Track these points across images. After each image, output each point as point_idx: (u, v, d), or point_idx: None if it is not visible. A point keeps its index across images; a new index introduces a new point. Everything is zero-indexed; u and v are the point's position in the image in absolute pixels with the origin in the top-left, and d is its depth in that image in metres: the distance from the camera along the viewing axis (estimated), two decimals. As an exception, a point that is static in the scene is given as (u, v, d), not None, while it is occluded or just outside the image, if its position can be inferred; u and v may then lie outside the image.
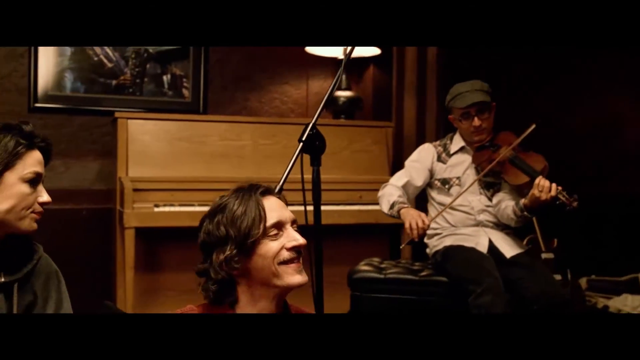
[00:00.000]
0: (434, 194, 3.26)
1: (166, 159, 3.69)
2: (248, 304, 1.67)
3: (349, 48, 2.29)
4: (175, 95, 4.31)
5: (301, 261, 1.69)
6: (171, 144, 3.73)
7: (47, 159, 1.77)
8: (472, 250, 3.02)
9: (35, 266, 1.76)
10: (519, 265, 3.00)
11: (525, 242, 4.16)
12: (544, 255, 4.16)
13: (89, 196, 4.11)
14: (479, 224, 3.15)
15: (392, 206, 3.06)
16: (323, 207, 3.83)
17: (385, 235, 4.10)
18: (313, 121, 2.19)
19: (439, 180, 3.22)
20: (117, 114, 3.70)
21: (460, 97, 3.08)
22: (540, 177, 2.84)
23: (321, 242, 2.15)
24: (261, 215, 1.64)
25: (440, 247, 3.15)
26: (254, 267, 1.64)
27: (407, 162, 3.30)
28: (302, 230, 1.77)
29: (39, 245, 1.81)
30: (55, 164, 4.07)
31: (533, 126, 2.99)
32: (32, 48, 3.99)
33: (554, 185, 2.81)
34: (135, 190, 3.46)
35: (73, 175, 4.12)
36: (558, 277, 4.04)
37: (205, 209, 1.76)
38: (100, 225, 4.01)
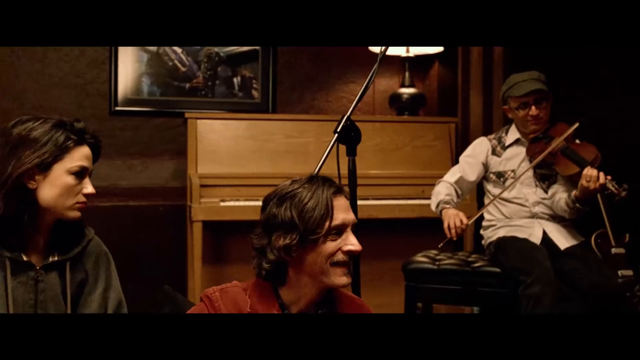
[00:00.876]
0: (489, 187, 3.28)
1: (233, 157, 3.87)
2: (293, 287, 1.75)
3: (383, 48, 2.36)
4: (245, 97, 4.50)
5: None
6: (238, 142, 3.91)
7: (96, 155, 1.92)
8: (525, 241, 3.03)
9: (86, 247, 1.93)
10: (573, 257, 2.99)
11: (593, 237, 4.08)
12: (614, 250, 4.05)
13: (165, 193, 4.35)
14: (533, 216, 3.15)
15: (437, 205, 3.12)
16: (385, 202, 3.94)
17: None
18: (348, 114, 2.30)
19: (494, 173, 3.23)
20: (187, 115, 3.93)
21: (517, 86, 3.10)
22: (588, 167, 2.82)
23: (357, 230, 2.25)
24: (329, 215, 1.69)
25: (494, 238, 3.17)
26: (307, 259, 1.70)
27: (461, 157, 3.33)
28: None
29: (90, 228, 1.98)
30: (134, 163, 4.36)
31: (576, 125, 3.00)
32: (113, 55, 4.28)
33: (601, 174, 2.78)
34: (203, 186, 3.66)
35: (150, 174, 4.38)
36: (629, 272, 3.95)
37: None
38: (175, 221, 4.24)
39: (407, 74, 4.38)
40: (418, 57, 4.47)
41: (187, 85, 4.42)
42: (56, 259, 1.87)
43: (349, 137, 2.26)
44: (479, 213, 3.16)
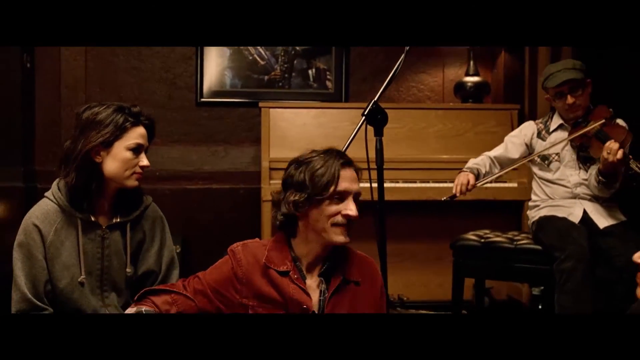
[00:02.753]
0: (535, 169, 3.43)
1: (301, 142, 4.18)
2: (302, 241, 2.07)
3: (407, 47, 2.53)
4: (319, 87, 4.82)
5: (349, 227, 2.04)
6: (306, 129, 4.23)
7: (151, 134, 2.27)
8: (563, 220, 3.17)
9: (144, 212, 2.30)
10: (612, 236, 3.10)
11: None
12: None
13: (245, 177, 4.73)
14: (575, 196, 3.27)
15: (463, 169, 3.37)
16: (443, 185, 4.15)
17: (508, 211, 4.27)
18: (375, 98, 2.55)
19: (539, 156, 3.38)
20: (260, 104, 4.29)
21: (552, 77, 3.23)
22: (611, 140, 2.94)
23: (383, 201, 2.47)
24: (334, 181, 2.00)
25: (536, 217, 3.33)
26: (311, 216, 2.02)
27: (507, 137, 3.51)
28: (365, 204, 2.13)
29: (148, 196, 2.34)
30: (218, 149, 4.78)
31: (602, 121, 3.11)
32: (199, 52, 4.71)
33: (621, 150, 2.90)
34: (272, 169, 4.02)
35: (232, 159, 4.78)
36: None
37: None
38: (253, 202, 4.60)
39: (471, 62, 4.55)
40: (482, 47, 4.62)
41: (266, 77, 4.78)
42: (118, 220, 2.25)
43: (376, 119, 2.50)
44: (491, 178, 3.38)
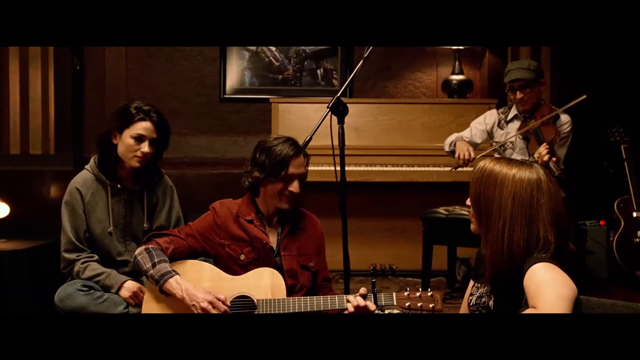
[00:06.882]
0: (495, 155, 4.05)
1: (305, 132, 4.80)
2: (263, 201, 2.78)
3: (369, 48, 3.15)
4: (327, 85, 5.52)
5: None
6: (309, 121, 4.91)
7: (160, 129, 2.88)
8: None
9: (158, 182, 3.02)
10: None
11: (617, 202, 4.69)
12: (635, 214, 4.63)
13: (261, 163, 5.43)
14: (524, 178, 3.89)
15: (451, 144, 3.98)
16: (425, 168, 4.79)
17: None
18: (339, 94, 3.18)
19: (496, 143, 4.00)
20: (271, 100, 5.01)
21: (507, 74, 3.86)
22: (543, 144, 3.55)
23: (345, 178, 3.09)
24: (285, 167, 2.69)
25: (491, 195, 3.95)
26: (267, 187, 2.73)
27: (473, 123, 4.14)
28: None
29: (162, 170, 3.06)
30: (238, 139, 5.52)
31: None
32: (222, 54, 5.46)
33: (547, 155, 3.53)
34: (279, 155, 4.72)
35: (250, 148, 5.30)
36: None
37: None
38: (268, 184, 5.34)
39: (456, 63, 5.18)
40: (469, 48, 5.24)
41: (280, 77, 5.51)
42: (138, 188, 2.98)
43: (339, 110, 3.13)
44: (487, 151, 3.90)
